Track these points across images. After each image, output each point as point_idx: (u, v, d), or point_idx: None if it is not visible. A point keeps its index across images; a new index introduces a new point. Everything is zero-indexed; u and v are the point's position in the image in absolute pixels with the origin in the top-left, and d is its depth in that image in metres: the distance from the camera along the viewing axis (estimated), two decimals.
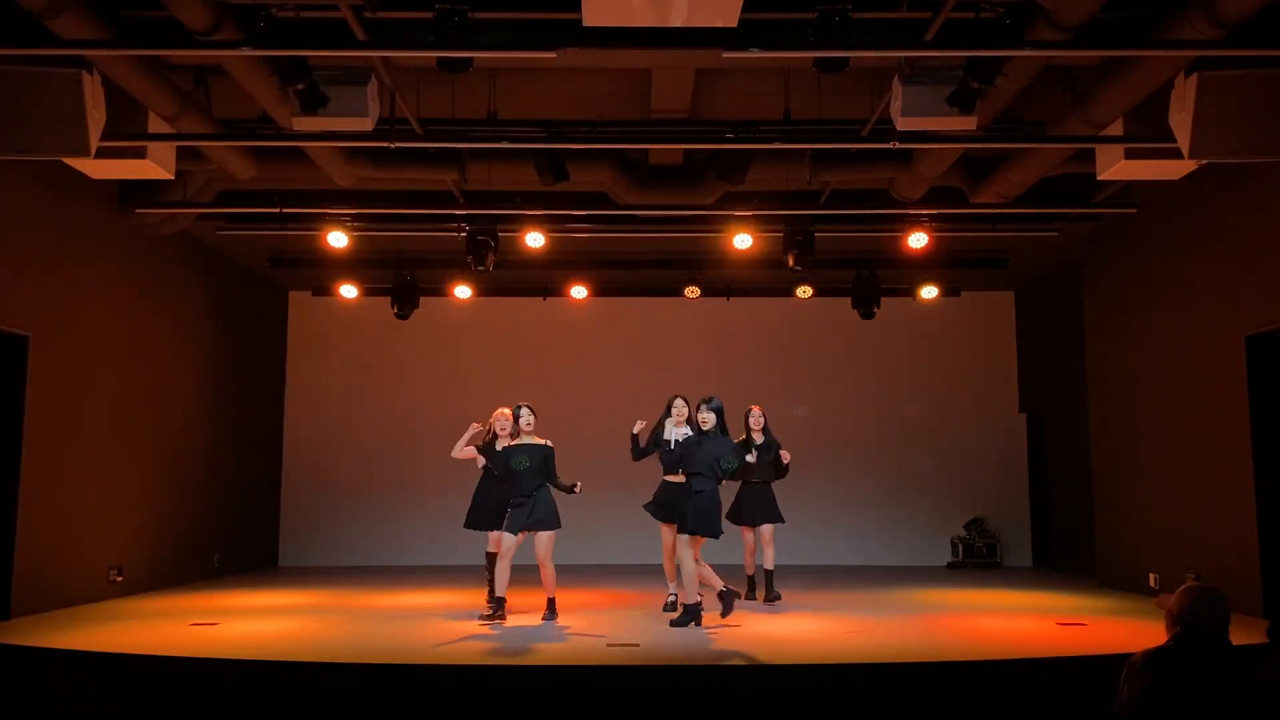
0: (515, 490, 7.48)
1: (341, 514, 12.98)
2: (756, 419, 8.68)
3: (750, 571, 8.95)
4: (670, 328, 13.29)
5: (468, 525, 8.35)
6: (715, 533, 7.18)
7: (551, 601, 7.68)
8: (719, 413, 7.40)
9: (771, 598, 8.57)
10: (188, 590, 9.64)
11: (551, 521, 7.44)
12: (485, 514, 8.18)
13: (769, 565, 8.64)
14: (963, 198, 9.08)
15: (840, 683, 5.50)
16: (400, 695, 5.47)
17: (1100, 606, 8.39)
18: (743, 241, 9.64)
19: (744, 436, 8.54)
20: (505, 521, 7.53)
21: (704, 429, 7.37)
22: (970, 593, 9.60)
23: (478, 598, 8.78)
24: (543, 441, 7.59)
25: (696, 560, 7.24)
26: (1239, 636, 3.06)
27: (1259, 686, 2.89)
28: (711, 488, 7.21)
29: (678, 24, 5.57)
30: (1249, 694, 2.86)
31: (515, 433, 7.65)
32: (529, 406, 7.67)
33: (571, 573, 11.12)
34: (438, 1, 5.68)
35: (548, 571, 7.54)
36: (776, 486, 8.76)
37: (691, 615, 7.13)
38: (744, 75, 7.53)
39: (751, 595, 8.84)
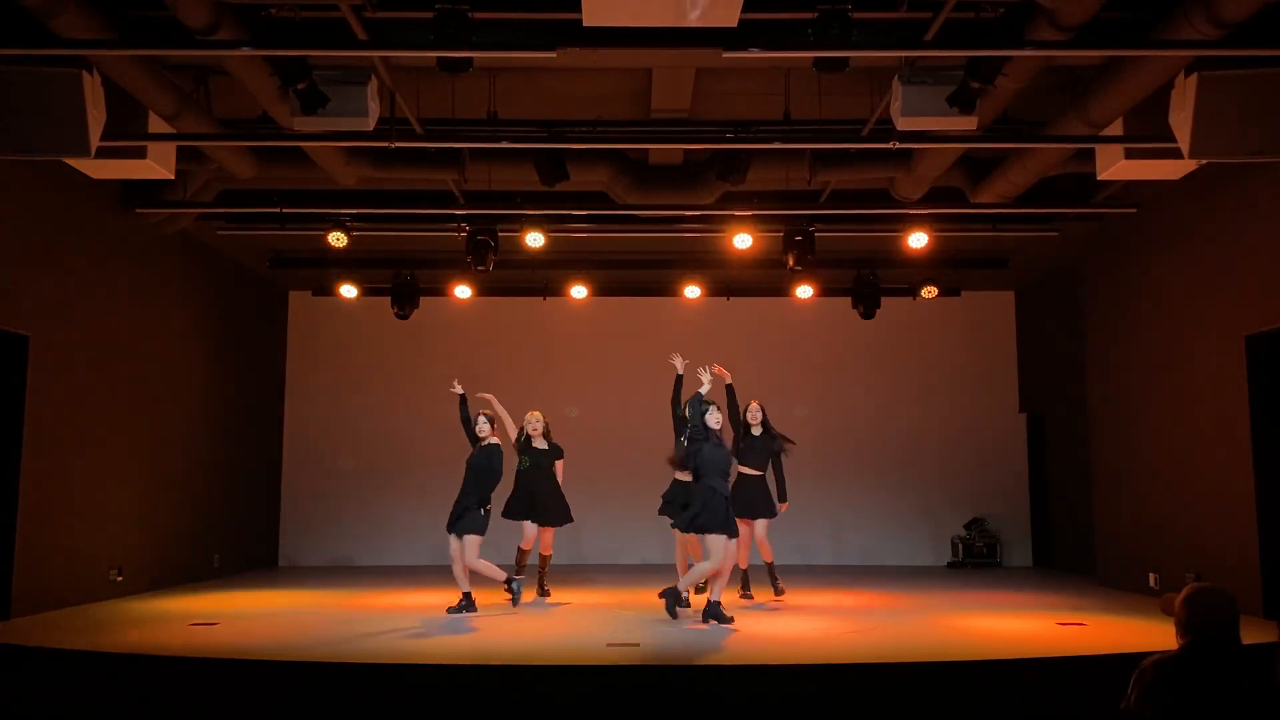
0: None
1: (341, 514, 12.98)
2: (754, 413, 8.69)
3: (744, 566, 8.67)
4: (670, 328, 13.25)
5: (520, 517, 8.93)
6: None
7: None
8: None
9: (778, 592, 8.66)
10: (188, 590, 9.64)
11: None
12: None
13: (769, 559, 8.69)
14: (963, 198, 9.08)
15: (840, 683, 5.50)
16: (400, 695, 5.47)
17: (1100, 606, 8.37)
18: (743, 241, 9.63)
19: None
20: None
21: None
22: (970, 593, 9.60)
23: (478, 597, 8.83)
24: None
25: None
26: (1244, 636, 3.05)
27: (1272, 687, 2.87)
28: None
29: (678, 23, 5.56)
30: (1262, 695, 2.85)
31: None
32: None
33: (573, 572, 11.15)
34: (438, 1, 5.68)
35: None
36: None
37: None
38: (744, 75, 7.52)
39: (747, 593, 8.71)
